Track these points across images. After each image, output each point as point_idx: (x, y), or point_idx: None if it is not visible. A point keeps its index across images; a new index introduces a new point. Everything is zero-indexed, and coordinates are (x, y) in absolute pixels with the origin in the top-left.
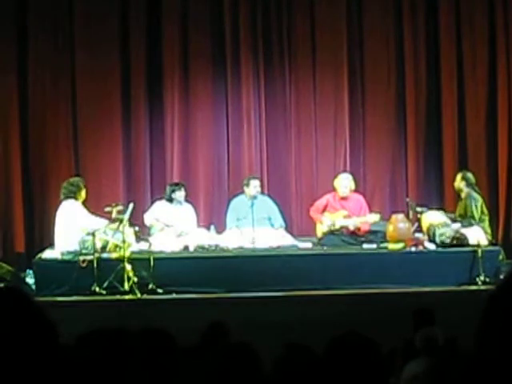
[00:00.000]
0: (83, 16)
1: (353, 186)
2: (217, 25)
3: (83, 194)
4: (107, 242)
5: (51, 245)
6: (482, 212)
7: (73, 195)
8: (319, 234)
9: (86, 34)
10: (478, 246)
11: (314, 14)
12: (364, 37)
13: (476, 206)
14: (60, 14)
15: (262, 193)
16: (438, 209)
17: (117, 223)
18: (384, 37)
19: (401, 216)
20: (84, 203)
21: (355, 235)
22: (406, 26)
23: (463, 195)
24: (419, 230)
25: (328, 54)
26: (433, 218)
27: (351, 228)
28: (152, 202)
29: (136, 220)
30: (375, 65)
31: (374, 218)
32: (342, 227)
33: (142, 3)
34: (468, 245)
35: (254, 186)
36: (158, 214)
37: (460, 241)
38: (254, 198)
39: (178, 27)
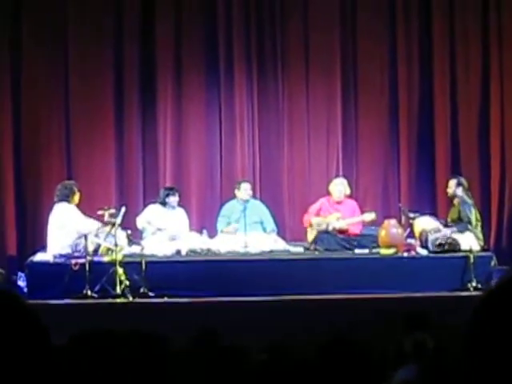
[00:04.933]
0: (77, 19)
1: (347, 191)
2: (210, 32)
3: (76, 197)
4: (99, 246)
5: (43, 248)
6: (476, 217)
7: (66, 198)
8: (310, 238)
9: (79, 40)
10: (470, 251)
11: (308, 20)
12: (357, 43)
13: (471, 211)
14: (54, 15)
15: (254, 197)
16: (431, 214)
17: (109, 226)
18: (377, 43)
19: (393, 221)
20: (78, 206)
21: (348, 237)
22: (400, 33)
23: (456, 201)
24: (411, 235)
25: (321, 60)
26: (425, 223)
27: (341, 227)
28: (144, 206)
29: (128, 223)
30: (368, 70)
31: (370, 216)
32: (334, 229)
33: (135, 10)
34: (460, 250)
35: (244, 189)
36: (150, 217)
37: (452, 246)
38: (246, 201)
39: (172, 34)
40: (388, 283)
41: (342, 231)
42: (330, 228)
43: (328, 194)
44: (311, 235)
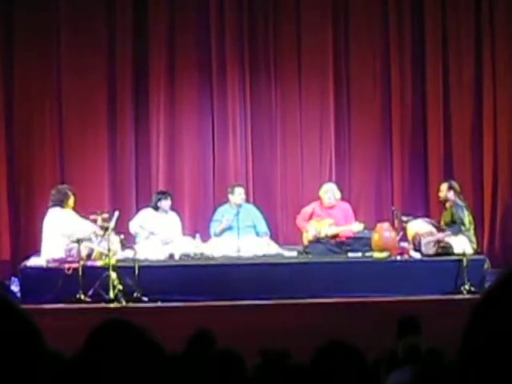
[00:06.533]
0: (69, 21)
1: (338, 196)
2: (203, 33)
3: (71, 202)
4: (93, 250)
5: (37, 252)
6: (469, 220)
7: (60, 203)
8: (305, 242)
9: (72, 43)
10: (463, 255)
11: (301, 22)
12: (350, 46)
13: (464, 213)
14: (46, 18)
15: (247, 201)
16: (424, 217)
17: (102, 231)
18: (370, 46)
19: (386, 225)
20: (73, 210)
21: (340, 243)
22: (392, 35)
23: (449, 204)
24: (404, 238)
25: (314, 63)
26: (418, 227)
27: (333, 233)
28: (137, 210)
29: (121, 228)
30: (361, 74)
31: (358, 227)
32: (326, 236)
33: (128, 11)
34: (453, 254)
35: (238, 194)
36: (143, 221)
37: (445, 250)
38: (239, 205)
39: (165, 36)
40: (381, 287)
41: (334, 236)
42: (322, 234)
43: (319, 198)
44: (306, 239)
